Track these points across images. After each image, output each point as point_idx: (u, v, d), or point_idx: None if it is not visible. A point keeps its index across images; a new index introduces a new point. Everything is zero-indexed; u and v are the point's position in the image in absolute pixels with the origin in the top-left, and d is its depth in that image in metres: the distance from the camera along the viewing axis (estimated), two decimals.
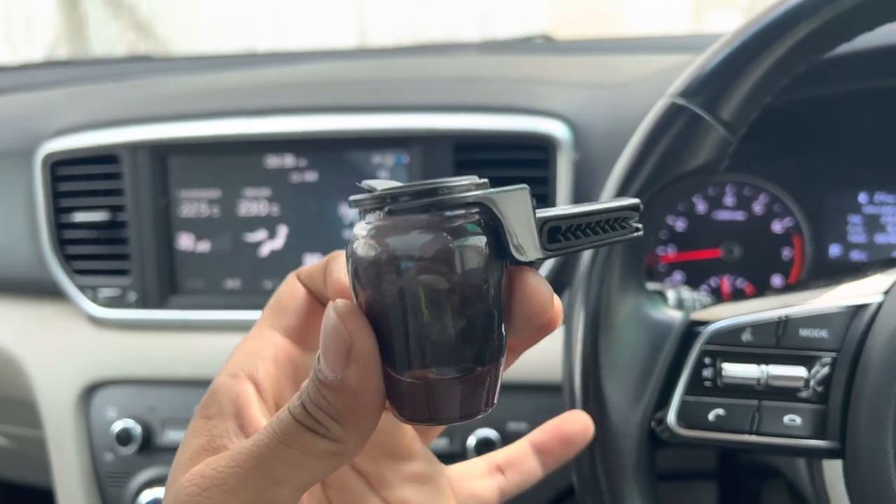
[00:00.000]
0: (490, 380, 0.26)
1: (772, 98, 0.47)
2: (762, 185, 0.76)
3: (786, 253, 0.76)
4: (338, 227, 0.73)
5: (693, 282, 0.77)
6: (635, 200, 0.27)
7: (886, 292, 0.42)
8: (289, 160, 0.73)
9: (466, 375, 0.25)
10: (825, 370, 0.42)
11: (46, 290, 0.78)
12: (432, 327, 0.24)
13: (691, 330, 0.46)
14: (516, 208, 0.25)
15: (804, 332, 0.42)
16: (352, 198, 0.26)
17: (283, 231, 0.73)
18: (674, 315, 0.47)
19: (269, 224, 0.73)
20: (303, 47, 1.36)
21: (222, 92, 0.82)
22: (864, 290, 0.43)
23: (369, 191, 0.26)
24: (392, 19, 1.79)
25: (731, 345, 0.44)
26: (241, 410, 0.30)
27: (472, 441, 0.67)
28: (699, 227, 0.77)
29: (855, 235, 0.76)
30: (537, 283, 0.26)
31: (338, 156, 0.72)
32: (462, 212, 0.25)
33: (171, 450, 0.72)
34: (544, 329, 0.28)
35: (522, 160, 0.69)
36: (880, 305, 0.42)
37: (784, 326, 0.43)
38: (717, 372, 0.44)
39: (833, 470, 0.43)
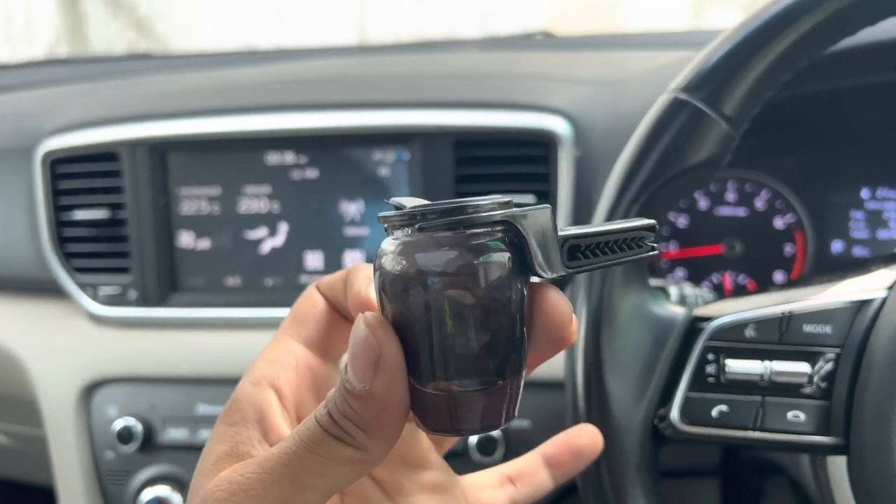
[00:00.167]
0: (511, 393, 0.27)
1: (774, 93, 0.47)
2: (764, 180, 0.76)
3: (788, 249, 0.76)
4: (338, 224, 0.73)
5: (695, 278, 0.77)
6: (651, 221, 0.29)
7: (890, 287, 0.42)
8: (289, 157, 0.72)
9: (489, 388, 0.26)
10: (829, 366, 0.42)
11: (47, 289, 0.78)
12: (457, 340, 0.25)
13: (694, 326, 0.46)
14: (539, 227, 0.26)
15: (808, 328, 0.42)
16: (381, 214, 0.27)
17: (283, 228, 0.73)
18: (676, 311, 0.47)
19: (270, 221, 0.73)
20: (303, 44, 1.36)
21: (222, 89, 0.81)
22: (868, 286, 0.43)
23: (398, 208, 0.27)
24: (392, 18, 1.79)
25: (734, 341, 0.44)
26: (263, 418, 0.31)
27: (474, 439, 0.66)
28: (701, 224, 0.77)
29: (857, 231, 0.75)
30: (557, 298, 0.27)
31: (338, 153, 0.72)
32: (487, 229, 0.26)
33: (172, 448, 0.72)
34: (561, 343, 0.29)
35: (523, 156, 0.68)
36: (884, 301, 0.41)
37: (787, 322, 0.43)
38: (721, 368, 0.43)
39: (837, 466, 0.43)
